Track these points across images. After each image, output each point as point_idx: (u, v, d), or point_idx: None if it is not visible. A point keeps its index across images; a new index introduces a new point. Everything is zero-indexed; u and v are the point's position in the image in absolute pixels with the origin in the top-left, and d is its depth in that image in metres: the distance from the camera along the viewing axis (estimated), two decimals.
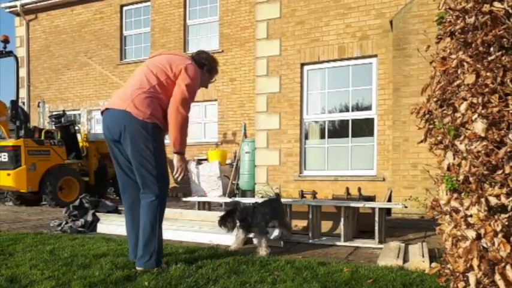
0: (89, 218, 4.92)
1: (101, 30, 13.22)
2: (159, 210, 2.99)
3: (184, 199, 5.96)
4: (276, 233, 4.05)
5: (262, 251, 3.49)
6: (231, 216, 3.55)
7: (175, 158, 2.99)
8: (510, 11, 1.85)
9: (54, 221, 5.33)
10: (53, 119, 9.47)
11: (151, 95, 2.94)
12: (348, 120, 7.52)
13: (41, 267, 3.02)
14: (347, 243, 4.03)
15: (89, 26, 13.42)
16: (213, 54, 3.63)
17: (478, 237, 1.81)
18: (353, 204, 4.24)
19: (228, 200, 5.36)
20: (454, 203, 1.95)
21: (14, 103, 8.42)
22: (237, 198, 3.77)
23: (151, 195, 2.96)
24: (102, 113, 3.09)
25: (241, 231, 3.65)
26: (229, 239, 3.98)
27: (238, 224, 3.59)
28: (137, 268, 2.94)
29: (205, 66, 3.30)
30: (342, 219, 4.10)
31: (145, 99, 2.92)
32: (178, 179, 3.01)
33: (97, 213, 4.98)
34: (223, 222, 3.56)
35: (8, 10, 14.37)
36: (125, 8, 13.02)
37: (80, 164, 9.25)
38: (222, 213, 3.65)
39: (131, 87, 2.99)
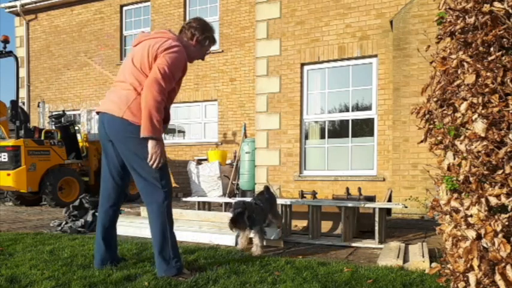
0: (89, 218, 4.92)
1: (100, 30, 13.22)
2: (168, 214, 2.84)
3: (184, 199, 5.96)
4: (275, 233, 4.05)
5: (258, 251, 3.50)
6: (241, 218, 3.50)
7: (149, 144, 2.74)
8: (510, 11, 1.85)
9: (54, 221, 5.33)
10: (53, 119, 9.46)
11: None
12: (348, 120, 7.52)
13: (41, 267, 3.02)
14: (347, 243, 4.03)
15: (89, 26, 13.42)
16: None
17: (478, 237, 1.80)
18: (353, 204, 4.24)
19: (228, 200, 5.36)
20: (454, 203, 1.95)
21: (14, 103, 8.42)
22: (237, 199, 3.75)
23: (156, 200, 2.81)
24: (97, 113, 3.00)
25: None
26: (229, 239, 3.98)
27: (248, 224, 3.57)
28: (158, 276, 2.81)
29: (195, 37, 3.02)
30: (342, 219, 4.10)
31: (141, 104, 2.77)
32: (153, 167, 2.78)
33: (97, 214, 4.97)
34: (235, 224, 3.48)
35: (7, 10, 14.37)
36: (124, 8, 13.02)
37: (79, 164, 9.25)
38: (231, 215, 3.55)
39: (126, 90, 2.85)
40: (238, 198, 4.80)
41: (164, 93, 2.75)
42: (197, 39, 3.04)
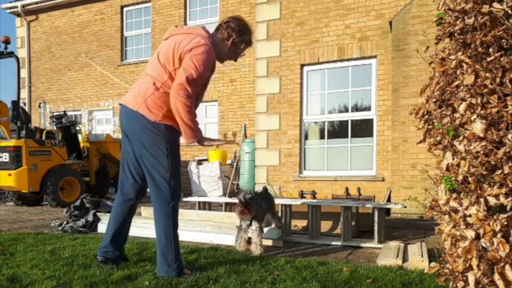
0: (90, 218, 4.93)
1: (101, 31, 13.24)
2: (173, 215, 2.81)
3: (184, 199, 5.97)
4: (276, 233, 4.07)
5: (257, 250, 3.50)
6: (252, 202, 3.47)
7: (200, 144, 2.87)
8: (509, 11, 1.86)
9: (55, 221, 5.34)
10: (54, 120, 9.49)
11: (165, 93, 2.75)
12: (347, 121, 7.53)
13: (42, 267, 3.03)
14: (346, 243, 4.04)
15: (90, 26, 13.44)
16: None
17: (477, 237, 1.81)
18: (352, 204, 4.25)
19: (229, 200, 5.37)
20: (453, 203, 1.96)
21: (15, 104, 8.43)
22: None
23: (162, 200, 2.79)
24: (120, 104, 2.97)
25: (243, 230, 3.64)
26: (230, 239, 3.99)
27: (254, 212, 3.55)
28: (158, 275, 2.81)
29: (231, 38, 2.90)
30: (342, 219, 4.11)
31: (158, 99, 2.75)
32: (218, 145, 2.83)
33: (98, 213, 5.00)
34: (246, 207, 3.45)
35: (8, 11, 14.40)
36: (125, 9, 13.04)
37: (80, 165, 9.27)
38: (242, 199, 3.50)
39: (146, 83, 2.82)
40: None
41: (191, 97, 2.71)
42: (233, 41, 2.92)
